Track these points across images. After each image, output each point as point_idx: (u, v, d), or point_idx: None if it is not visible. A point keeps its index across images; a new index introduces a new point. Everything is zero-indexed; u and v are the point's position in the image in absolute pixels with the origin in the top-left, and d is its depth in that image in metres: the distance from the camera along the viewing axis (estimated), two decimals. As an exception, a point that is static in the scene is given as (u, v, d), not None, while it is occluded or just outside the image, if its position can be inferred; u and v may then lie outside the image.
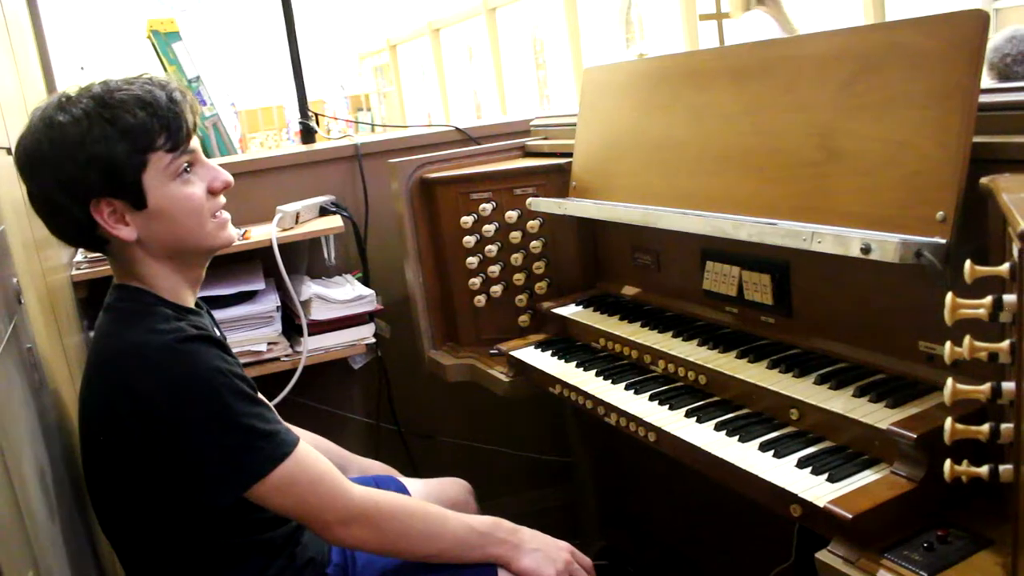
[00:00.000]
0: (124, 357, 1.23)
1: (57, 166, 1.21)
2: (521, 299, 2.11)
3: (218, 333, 1.45)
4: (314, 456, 1.28)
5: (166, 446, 1.21)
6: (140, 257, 1.30)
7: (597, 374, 1.71)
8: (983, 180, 1.07)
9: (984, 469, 0.98)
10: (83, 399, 1.31)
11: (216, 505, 1.26)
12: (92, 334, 1.35)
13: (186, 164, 1.27)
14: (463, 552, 1.37)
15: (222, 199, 1.34)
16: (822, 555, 1.10)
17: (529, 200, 1.98)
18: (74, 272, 2.03)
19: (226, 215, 1.35)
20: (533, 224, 2.06)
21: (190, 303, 1.37)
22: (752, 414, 1.43)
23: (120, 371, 1.23)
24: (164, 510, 1.27)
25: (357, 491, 1.30)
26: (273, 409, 1.31)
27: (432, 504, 1.43)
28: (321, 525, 1.28)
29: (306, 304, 2.19)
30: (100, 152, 1.20)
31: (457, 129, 2.63)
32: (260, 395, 1.30)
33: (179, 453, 1.21)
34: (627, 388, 1.62)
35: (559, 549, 1.42)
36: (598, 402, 1.62)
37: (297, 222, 2.28)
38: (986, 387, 0.95)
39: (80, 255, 2.09)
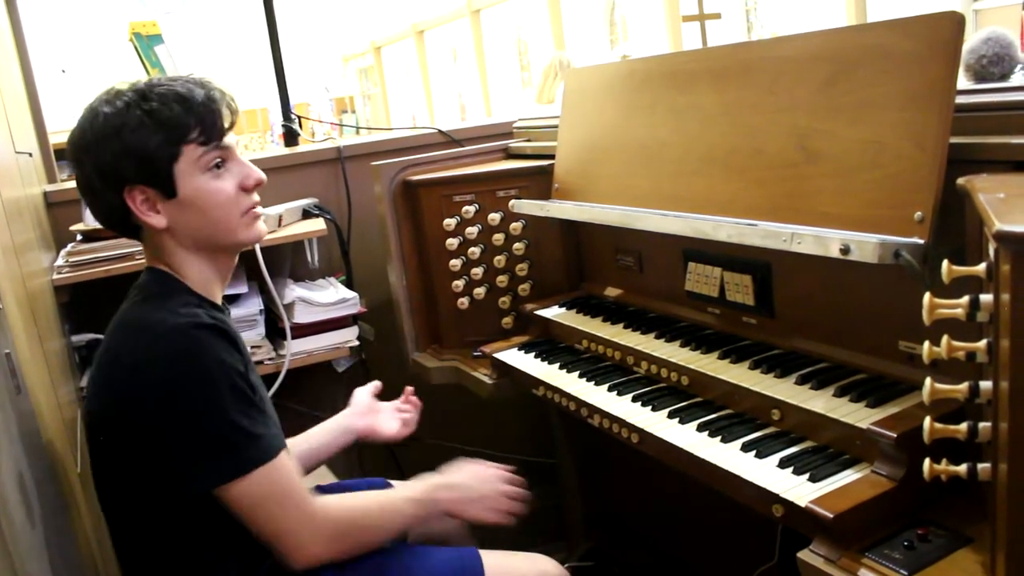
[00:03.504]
0: (132, 330, 1.27)
1: (97, 154, 1.28)
2: (504, 301, 2.11)
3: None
4: (289, 471, 1.27)
5: (150, 424, 1.21)
6: (171, 246, 1.34)
7: (580, 375, 1.71)
8: (960, 181, 1.08)
9: (963, 468, 0.99)
10: (90, 374, 1.35)
11: (188, 494, 1.24)
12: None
13: (218, 159, 1.32)
14: (420, 524, 1.44)
15: (255, 196, 1.38)
16: (804, 555, 1.11)
17: (512, 202, 1.98)
18: (55, 276, 2.01)
19: (258, 211, 1.38)
20: (516, 226, 2.06)
21: (217, 298, 1.38)
22: (734, 414, 1.44)
23: (125, 342, 1.26)
24: (156, 494, 1.26)
25: (319, 511, 1.28)
26: (272, 416, 1.30)
27: (376, 492, 1.45)
28: (281, 544, 1.25)
29: (289, 307, 2.18)
30: (136, 142, 1.26)
31: (440, 131, 2.63)
32: (264, 400, 1.31)
33: (161, 434, 1.21)
34: (610, 389, 1.62)
35: (495, 492, 1.45)
36: (581, 403, 1.62)
37: (280, 225, 2.27)
38: (964, 386, 0.96)
39: (61, 259, 2.08)
